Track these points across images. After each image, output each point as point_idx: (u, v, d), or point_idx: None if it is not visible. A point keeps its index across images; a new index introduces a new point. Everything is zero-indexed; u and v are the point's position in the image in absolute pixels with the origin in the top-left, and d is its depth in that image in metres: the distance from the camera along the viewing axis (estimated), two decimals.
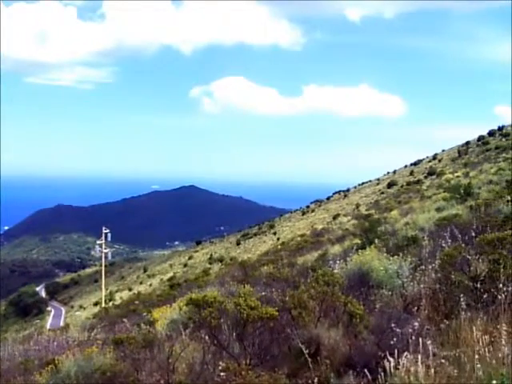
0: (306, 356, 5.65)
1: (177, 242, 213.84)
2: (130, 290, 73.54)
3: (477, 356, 4.56)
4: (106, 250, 61.61)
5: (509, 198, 18.33)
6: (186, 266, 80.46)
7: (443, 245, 8.43)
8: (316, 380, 5.28)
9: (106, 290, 68.32)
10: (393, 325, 5.59)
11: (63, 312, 77.10)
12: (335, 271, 9.07)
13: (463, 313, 5.86)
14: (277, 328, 6.33)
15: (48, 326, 48.39)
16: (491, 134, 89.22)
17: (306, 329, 6.35)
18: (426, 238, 10.81)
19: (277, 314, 5.92)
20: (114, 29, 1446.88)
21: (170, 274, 72.51)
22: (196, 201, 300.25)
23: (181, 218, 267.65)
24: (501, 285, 6.11)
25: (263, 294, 8.82)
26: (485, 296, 6.19)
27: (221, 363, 5.13)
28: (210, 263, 68.71)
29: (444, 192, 30.31)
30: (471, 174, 41.01)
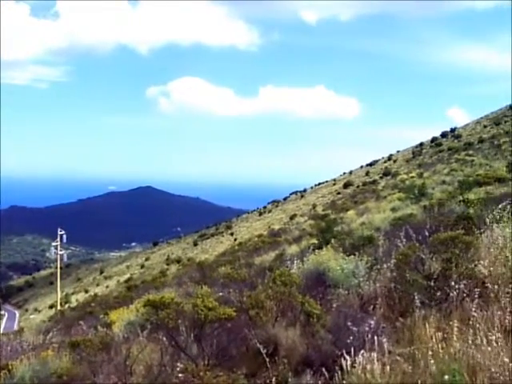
0: (264, 356, 5.67)
1: (134, 243, 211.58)
2: (87, 292, 72.57)
3: (430, 352, 4.66)
4: (61, 252, 60.64)
5: (461, 198, 18.72)
6: (143, 267, 79.82)
7: (398, 244, 8.56)
8: (274, 379, 5.30)
9: (62, 292, 67.27)
10: (349, 323, 5.66)
11: (17, 315, 75.48)
12: (292, 271, 9.12)
13: (417, 311, 5.97)
14: (235, 328, 6.34)
15: (1, 330, 47.33)
16: (444, 135, 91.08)
17: (263, 329, 6.37)
18: (381, 237, 10.96)
19: (234, 314, 5.92)
20: (69, 27, 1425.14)
21: (127, 276, 71.82)
22: (153, 201, 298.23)
23: (138, 218, 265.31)
24: (453, 283, 6.25)
25: (221, 294, 8.82)
26: (438, 294, 6.31)
27: (179, 364, 5.12)
28: (168, 264, 68.24)
29: (399, 192, 30.79)
30: (425, 175, 41.74)
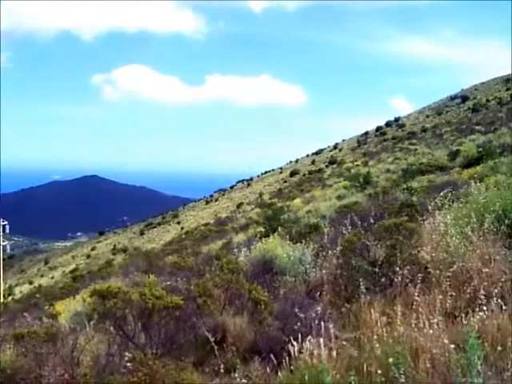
0: (213, 344, 5.68)
1: (79, 233, 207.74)
2: (31, 283, 70.91)
3: (375, 336, 4.76)
4: (3, 243, 59.02)
5: (405, 186, 19.12)
6: (89, 257, 78.57)
7: (344, 231, 8.68)
8: (222, 367, 5.32)
9: (5, 284, 65.61)
10: (296, 310, 5.72)
11: None
12: (240, 259, 9.16)
13: (363, 296, 6.08)
14: (183, 317, 6.32)
15: None
16: (388, 124, 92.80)
17: (211, 317, 6.39)
18: (327, 225, 11.09)
19: (182, 302, 5.91)
20: (7, 11, 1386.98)
21: (73, 266, 70.55)
22: (99, 191, 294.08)
23: (83, 208, 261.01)
24: (397, 268, 6.39)
25: (168, 283, 8.78)
26: (383, 280, 6.45)
27: (126, 354, 5.08)
28: (114, 254, 67.41)
29: (344, 180, 31.20)
30: (370, 163, 42.40)
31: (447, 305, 5.51)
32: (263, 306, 6.07)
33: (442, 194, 9.26)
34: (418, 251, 6.75)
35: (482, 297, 5.46)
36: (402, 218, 7.84)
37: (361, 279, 6.34)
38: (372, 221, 8.70)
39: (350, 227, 8.65)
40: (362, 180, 26.27)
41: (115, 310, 5.84)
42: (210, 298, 6.46)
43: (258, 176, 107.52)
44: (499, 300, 5.57)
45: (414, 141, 55.54)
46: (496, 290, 5.85)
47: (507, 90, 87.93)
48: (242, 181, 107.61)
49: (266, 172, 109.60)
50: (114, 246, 78.26)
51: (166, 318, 6.04)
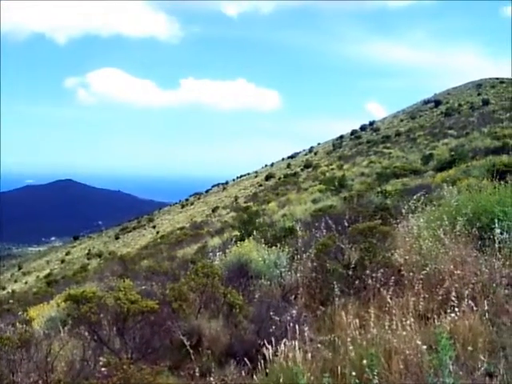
0: (188, 348, 5.69)
1: (53, 238, 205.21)
2: (4, 288, 69.71)
3: (349, 339, 4.81)
4: None
5: (379, 189, 19.30)
6: (63, 261, 77.59)
7: (318, 235, 8.74)
8: (198, 371, 5.33)
9: None
10: (271, 313, 5.75)
11: None
12: (215, 263, 9.16)
13: (337, 299, 6.13)
14: (158, 321, 6.32)
15: None
16: (363, 128, 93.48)
17: (187, 321, 6.39)
18: (302, 228, 11.14)
19: (157, 307, 5.91)
20: None
21: (47, 271, 69.68)
22: (73, 195, 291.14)
23: (57, 212, 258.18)
24: (371, 271, 6.46)
25: (144, 287, 8.76)
26: (357, 282, 6.51)
27: (101, 359, 5.06)
28: (89, 258, 66.74)
29: (320, 184, 31.34)
30: (345, 167, 42.66)
31: (420, 307, 5.59)
32: (238, 310, 6.09)
33: (415, 197, 9.37)
34: (392, 254, 6.83)
35: (454, 298, 5.55)
36: (376, 222, 7.93)
37: (335, 282, 6.39)
38: (346, 224, 8.77)
39: (324, 230, 8.72)
40: (336, 183, 26.44)
41: (90, 314, 5.81)
42: (186, 301, 6.46)
43: (234, 180, 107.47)
44: (470, 301, 5.67)
45: (388, 144, 56.03)
46: (467, 292, 5.95)
47: (479, 94, 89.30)
48: (218, 184, 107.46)
49: (241, 176, 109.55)
50: (89, 250, 77.48)
51: (141, 322, 6.03)
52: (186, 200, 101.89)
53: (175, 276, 8.92)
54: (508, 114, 51.76)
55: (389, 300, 5.54)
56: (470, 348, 4.86)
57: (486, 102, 73.07)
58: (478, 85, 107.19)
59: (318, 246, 7.41)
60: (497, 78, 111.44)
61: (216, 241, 22.60)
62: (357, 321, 5.15)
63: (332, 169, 45.81)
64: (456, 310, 5.28)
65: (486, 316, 5.65)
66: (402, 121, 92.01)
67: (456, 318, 5.20)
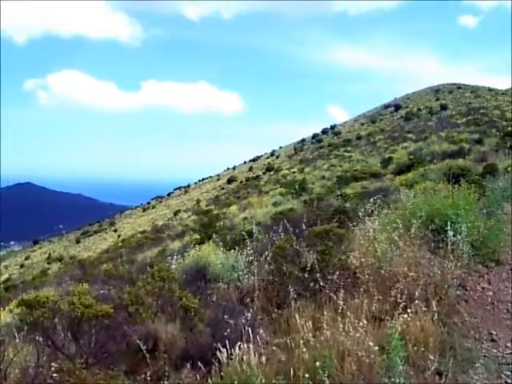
0: (144, 352, 5.66)
1: (12, 242, 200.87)
2: None
3: (303, 341, 4.86)
4: None
5: (339, 192, 19.49)
6: (22, 266, 76.28)
7: (277, 238, 8.78)
8: (154, 375, 5.32)
9: None
10: (228, 316, 5.76)
11: None
12: (173, 267, 9.13)
13: (294, 302, 6.17)
14: (114, 325, 6.26)
15: None
16: (324, 132, 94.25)
17: (143, 325, 6.35)
18: (261, 231, 11.17)
19: (112, 311, 5.86)
20: None
21: (6, 276, 68.43)
22: (33, 199, 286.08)
23: (16, 216, 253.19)
24: (327, 274, 6.53)
25: (101, 292, 8.67)
26: (313, 285, 6.57)
27: (53, 364, 5.00)
28: (49, 263, 65.76)
29: (280, 187, 31.47)
30: (306, 170, 42.93)
31: (374, 308, 5.67)
32: (193, 313, 6.08)
33: (371, 200, 9.48)
34: (348, 257, 6.91)
35: (407, 299, 5.66)
36: (332, 225, 8.02)
37: (292, 285, 6.44)
38: (304, 227, 8.83)
39: (282, 234, 8.76)
40: (297, 187, 26.57)
41: (43, 319, 5.73)
42: (142, 305, 6.42)
43: (196, 183, 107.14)
44: (423, 302, 5.79)
45: (348, 148, 56.58)
46: (420, 293, 6.07)
47: (437, 100, 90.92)
48: (180, 188, 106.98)
49: (203, 179, 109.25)
50: (49, 254, 76.30)
51: (96, 326, 5.97)
52: (148, 203, 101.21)
53: (133, 280, 8.84)
54: (465, 119, 52.91)
55: (340, 302, 5.60)
56: (421, 348, 4.95)
57: (444, 107, 74.44)
58: (437, 90, 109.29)
59: (275, 249, 7.44)
60: (454, 84, 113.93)
61: (176, 244, 22.55)
62: (310, 323, 5.20)
63: (293, 172, 46.05)
64: (408, 311, 5.39)
65: (438, 316, 5.77)
66: (362, 124, 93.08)
67: (408, 318, 5.30)
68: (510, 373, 5.02)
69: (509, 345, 5.68)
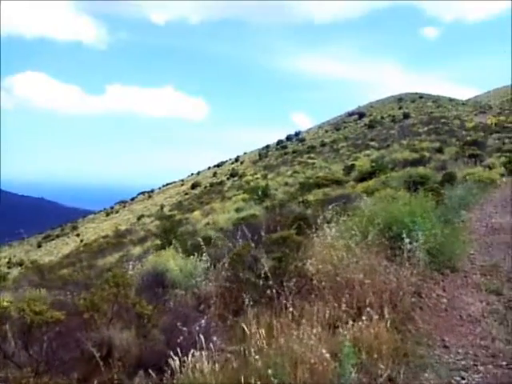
0: (98, 359, 5.58)
1: None
2: None
3: (256, 349, 4.84)
4: None
5: (301, 199, 19.56)
6: None
7: (236, 244, 8.76)
8: (106, 382, 5.25)
9: None
10: (183, 323, 5.71)
11: None
12: (130, 272, 9.03)
13: (250, 309, 6.15)
14: (68, 332, 6.16)
15: None
16: (289, 138, 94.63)
17: (98, 331, 6.26)
18: (222, 237, 11.14)
19: (64, 317, 5.76)
20: None
21: None
22: None
23: None
24: (284, 281, 6.53)
25: (58, 297, 8.54)
26: (270, 292, 6.55)
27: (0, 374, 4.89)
28: (9, 267, 64.61)
29: (243, 193, 31.44)
30: (269, 176, 43.00)
31: (329, 315, 5.69)
32: (147, 320, 6.02)
33: (330, 207, 9.54)
34: (304, 264, 6.91)
35: (363, 307, 5.69)
36: (290, 231, 8.02)
37: (249, 292, 6.42)
38: (263, 233, 8.82)
39: (240, 240, 8.73)
40: (260, 193, 26.57)
41: None
42: (97, 312, 6.33)
43: (160, 188, 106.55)
44: (378, 309, 5.83)
45: (312, 155, 56.88)
46: (375, 300, 6.12)
47: (400, 108, 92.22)
48: (144, 192, 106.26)
49: (167, 184, 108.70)
50: (10, 259, 74.98)
51: (48, 333, 5.86)
52: (111, 208, 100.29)
53: (90, 286, 8.71)
54: (426, 128, 53.76)
55: (291, 309, 5.61)
56: (375, 355, 4.98)
57: (406, 116, 75.48)
58: (400, 99, 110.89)
59: (233, 256, 7.41)
60: (417, 93, 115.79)
61: (138, 249, 22.36)
62: (263, 330, 5.19)
63: (256, 178, 46.10)
64: (363, 318, 5.41)
65: (392, 324, 5.82)
66: (327, 132, 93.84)
67: (362, 326, 5.33)
68: (460, 378, 5.08)
69: (460, 351, 5.76)
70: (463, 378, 5.10)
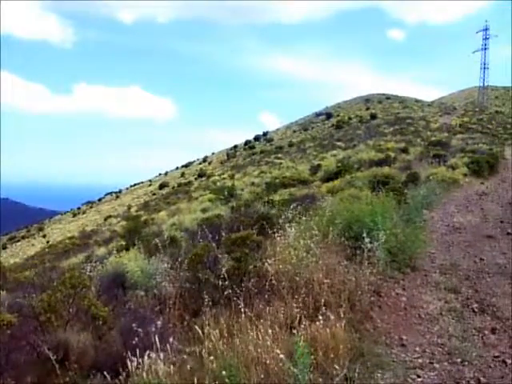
0: (54, 362, 5.49)
1: None
2: None
3: (210, 350, 4.81)
4: None
5: (266, 199, 19.53)
6: None
7: (197, 245, 8.70)
8: None
9: None
10: (139, 325, 5.65)
11: None
12: (91, 274, 8.92)
13: (208, 309, 6.11)
14: (23, 335, 6.06)
15: None
16: (257, 139, 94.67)
17: (54, 334, 6.16)
18: (186, 237, 11.08)
19: (15, 320, 5.66)
20: None
21: None
22: None
23: None
24: (244, 281, 6.51)
25: (17, 300, 8.38)
26: (229, 292, 6.52)
27: None
28: None
29: (210, 193, 31.31)
30: (236, 177, 42.92)
31: (287, 315, 5.69)
32: (102, 322, 5.94)
33: (291, 206, 9.53)
34: (263, 264, 6.89)
35: (321, 307, 5.69)
36: (249, 231, 7.99)
37: (208, 292, 6.39)
38: (226, 234, 8.78)
39: (201, 240, 8.69)
40: (226, 193, 26.49)
41: None
42: (54, 314, 6.23)
43: (127, 188, 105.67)
44: (336, 309, 5.84)
45: (279, 155, 56.97)
46: (334, 300, 6.13)
47: (367, 109, 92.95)
48: (111, 193, 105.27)
49: (135, 184, 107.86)
50: None
51: (0, 337, 5.75)
52: (78, 209, 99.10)
53: (47, 287, 8.57)
54: (392, 129, 54.27)
55: (246, 310, 5.60)
56: (331, 355, 4.98)
57: (373, 117, 76.08)
58: (367, 99, 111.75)
59: (192, 256, 7.36)
60: (384, 94, 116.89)
61: (102, 250, 22.09)
62: (217, 332, 5.16)
63: (223, 178, 46.01)
64: (321, 318, 5.41)
65: (350, 323, 5.84)
66: (294, 132, 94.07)
67: (320, 326, 5.32)
68: (415, 376, 5.12)
69: (417, 349, 5.81)
70: (419, 376, 5.14)
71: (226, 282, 6.35)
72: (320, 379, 4.69)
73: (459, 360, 5.48)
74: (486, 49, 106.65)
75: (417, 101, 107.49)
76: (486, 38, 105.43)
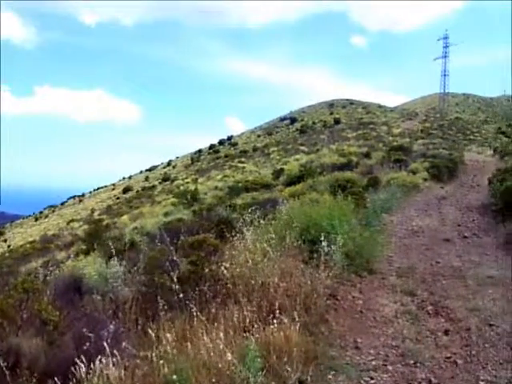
0: (4, 369, 5.38)
1: None
2: None
3: (162, 354, 4.78)
4: None
5: (229, 202, 19.53)
6: None
7: (155, 248, 8.65)
8: None
9: None
10: (92, 329, 5.58)
11: None
12: (47, 278, 8.80)
13: (164, 314, 6.07)
14: None
15: None
16: (221, 143, 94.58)
17: (6, 340, 6.05)
18: (147, 241, 11.00)
19: None
20: None
21: None
22: None
23: None
24: (199, 285, 6.49)
25: None
26: (185, 296, 6.49)
27: None
28: None
29: (173, 197, 31.20)
30: (200, 181, 42.82)
31: (241, 319, 5.68)
32: (52, 327, 5.85)
33: (249, 210, 9.52)
34: (219, 267, 6.87)
35: (276, 310, 5.69)
36: (205, 235, 7.98)
37: (163, 296, 6.34)
38: (185, 237, 8.74)
39: (159, 244, 8.64)
40: (189, 197, 26.45)
41: None
42: (6, 319, 6.12)
43: (91, 192, 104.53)
44: (292, 312, 5.85)
45: (243, 159, 57.00)
46: (289, 304, 6.14)
47: (331, 114, 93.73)
48: (74, 197, 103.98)
49: (98, 188, 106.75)
50: None
51: None
52: (41, 213, 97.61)
53: (2, 292, 8.42)
54: (355, 133, 54.85)
55: (201, 314, 5.58)
56: (284, 358, 4.99)
57: (337, 121, 76.72)
58: (331, 104, 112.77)
59: (148, 260, 7.31)
60: (348, 99, 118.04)
61: (63, 255, 21.84)
62: (169, 335, 5.12)
63: (187, 182, 45.85)
64: (275, 321, 5.41)
65: (305, 326, 5.86)
66: (259, 136, 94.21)
67: (274, 329, 5.33)
68: (369, 378, 5.16)
69: (371, 351, 5.86)
70: (372, 378, 5.18)
71: (181, 286, 6.31)
72: (273, 382, 4.68)
73: (412, 361, 5.54)
74: (446, 56, 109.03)
75: (380, 106, 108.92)
76: (446, 46, 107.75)
